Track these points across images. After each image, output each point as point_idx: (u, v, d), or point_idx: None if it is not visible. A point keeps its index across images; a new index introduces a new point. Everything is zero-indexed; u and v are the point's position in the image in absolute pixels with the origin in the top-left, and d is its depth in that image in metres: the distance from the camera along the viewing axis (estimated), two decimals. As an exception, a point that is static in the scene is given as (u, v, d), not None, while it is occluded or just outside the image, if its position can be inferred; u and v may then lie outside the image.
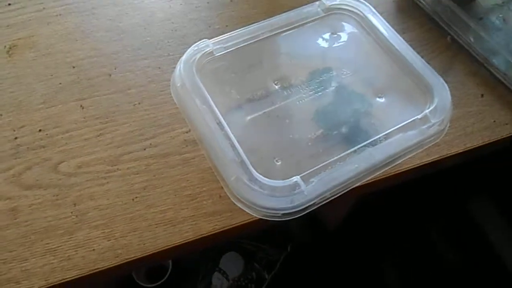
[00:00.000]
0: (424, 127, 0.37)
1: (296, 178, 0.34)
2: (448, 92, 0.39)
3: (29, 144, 0.44)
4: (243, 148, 0.35)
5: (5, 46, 0.50)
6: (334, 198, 0.41)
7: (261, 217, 0.34)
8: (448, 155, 0.45)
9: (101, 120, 0.46)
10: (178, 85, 0.39)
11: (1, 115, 0.45)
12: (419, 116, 0.38)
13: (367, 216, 0.98)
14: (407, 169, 0.44)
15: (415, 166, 0.45)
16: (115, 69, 0.49)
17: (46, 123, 0.45)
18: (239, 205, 0.35)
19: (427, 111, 0.38)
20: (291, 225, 1.07)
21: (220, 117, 0.37)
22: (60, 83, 0.48)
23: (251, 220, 0.40)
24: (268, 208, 0.33)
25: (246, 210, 0.34)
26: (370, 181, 0.43)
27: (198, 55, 0.40)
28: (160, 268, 1.10)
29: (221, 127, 0.36)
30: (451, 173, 0.75)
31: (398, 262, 0.97)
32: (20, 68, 0.49)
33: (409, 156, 0.38)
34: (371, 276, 0.95)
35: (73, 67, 0.49)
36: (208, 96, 0.38)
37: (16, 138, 0.44)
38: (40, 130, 0.44)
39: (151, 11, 0.55)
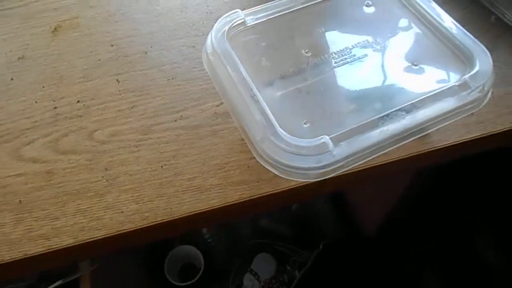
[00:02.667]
0: (463, 93, 0.35)
1: (324, 138, 0.33)
2: (490, 58, 0.36)
3: (67, 114, 0.45)
4: (271, 112, 0.35)
5: (51, 27, 0.53)
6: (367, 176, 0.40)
7: (288, 178, 0.33)
8: (491, 133, 0.43)
9: (135, 93, 0.47)
10: (209, 51, 0.39)
11: (43, 87, 0.47)
12: (457, 83, 0.36)
13: (406, 220, 0.93)
14: (445, 146, 0.42)
15: (454, 143, 0.42)
16: (151, 47, 0.51)
17: (84, 95, 0.47)
18: (267, 166, 0.34)
19: (466, 76, 0.35)
20: (325, 224, 1.04)
21: (251, 82, 0.36)
22: (99, 60, 0.50)
23: (278, 190, 0.40)
24: (295, 168, 0.33)
25: (274, 171, 0.34)
26: (404, 156, 0.41)
27: (230, 24, 0.40)
28: (192, 267, 1.10)
29: (251, 92, 0.36)
30: (500, 169, 0.71)
31: (438, 269, 0.92)
32: (63, 46, 0.51)
33: (445, 123, 0.36)
34: (408, 281, 0.90)
35: (112, 45, 0.51)
36: (240, 63, 0.38)
37: (55, 108, 0.46)
38: (78, 101, 0.46)
39: (188, -5, 0.56)
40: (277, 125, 0.34)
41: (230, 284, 1.06)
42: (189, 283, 1.04)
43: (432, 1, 0.42)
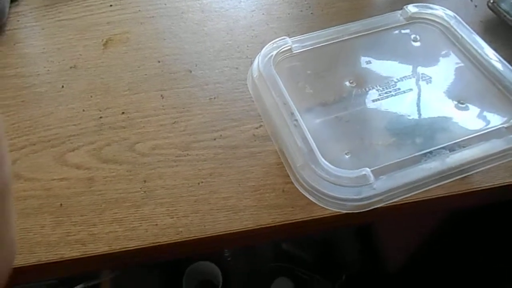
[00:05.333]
0: (511, 136, 0.35)
1: (365, 171, 0.33)
2: (541, 103, 0.36)
3: (111, 124, 0.47)
4: (313, 139, 0.35)
5: (102, 40, 0.56)
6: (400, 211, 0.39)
7: (326, 207, 0.33)
8: (536, 178, 0.41)
9: (178, 109, 0.48)
10: (255, 75, 0.40)
11: (91, 96, 0.49)
12: (505, 125, 0.35)
13: (430, 259, 0.91)
14: (486, 188, 0.41)
15: (495, 186, 0.41)
16: (196, 66, 0.52)
17: (128, 107, 0.48)
18: (305, 193, 0.34)
19: (515, 119, 0.35)
20: (348, 255, 1.02)
21: (294, 107, 0.37)
22: (146, 74, 0.52)
23: (312, 217, 0.40)
24: (333, 198, 0.32)
25: (311, 199, 0.34)
26: (443, 194, 0.40)
27: (277, 50, 0.41)
28: (210, 285, 1.10)
29: (293, 118, 0.37)
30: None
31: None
32: (113, 58, 0.53)
33: (491, 165, 0.35)
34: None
35: (159, 61, 0.53)
36: (284, 88, 0.39)
37: (101, 117, 0.47)
38: (122, 113, 0.48)
39: (234, 18, 0.58)
40: (319, 154, 0.34)
41: (247, 306, 1.04)
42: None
43: (480, 39, 0.42)
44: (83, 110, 0.48)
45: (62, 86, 0.50)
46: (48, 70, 0.52)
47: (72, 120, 0.47)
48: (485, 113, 0.38)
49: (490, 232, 0.77)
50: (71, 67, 0.52)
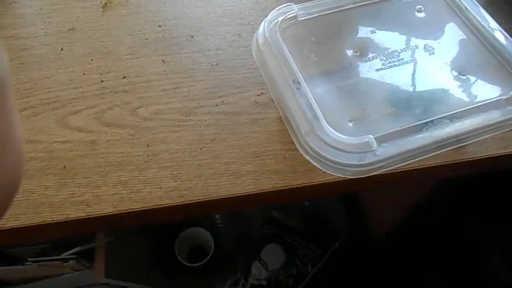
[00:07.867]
0: (509, 107, 0.36)
1: (369, 138, 0.34)
2: (540, 76, 0.37)
3: (113, 88, 0.47)
4: (318, 106, 0.36)
5: (101, 2, 0.54)
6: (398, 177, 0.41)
7: (329, 172, 0.34)
8: (528, 150, 0.43)
9: (180, 75, 0.48)
10: (261, 41, 0.40)
11: (92, 60, 0.49)
12: (504, 97, 0.36)
13: (418, 227, 0.94)
14: (480, 158, 0.43)
15: (489, 156, 0.43)
16: (198, 32, 0.52)
17: (130, 72, 0.48)
18: (308, 158, 0.35)
19: (514, 91, 0.36)
20: (336, 222, 1.05)
21: (299, 74, 0.37)
22: (146, 39, 0.51)
23: (312, 183, 0.41)
24: (337, 163, 0.33)
25: (315, 164, 0.35)
26: (440, 163, 0.42)
27: (283, 17, 0.41)
28: (202, 250, 1.12)
29: (298, 85, 0.37)
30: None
31: (445, 280, 0.93)
32: (112, 22, 0.53)
33: (488, 135, 0.36)
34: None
35: (160, 26, 0.52)
36: (289, 55, 0.39)
37: (102, 81, 0.47)
38: (124, 77, 0.48)
39: (236, -17, 0.57)
40: (324, 120, 0.35)
41: (238, 270, 1.08)
42: (197, 264, 1.07)
43: (484, 11, 0.42)
44: (84, 74, 0.48)
45: (61, 49, 0.50)
46: (46, 32, 0.51)
47: (72, 83, 0.47)
48: (485, 84, 0.39)
49: (477, 200, 0.80)
50: (69, 29, 0.52)
